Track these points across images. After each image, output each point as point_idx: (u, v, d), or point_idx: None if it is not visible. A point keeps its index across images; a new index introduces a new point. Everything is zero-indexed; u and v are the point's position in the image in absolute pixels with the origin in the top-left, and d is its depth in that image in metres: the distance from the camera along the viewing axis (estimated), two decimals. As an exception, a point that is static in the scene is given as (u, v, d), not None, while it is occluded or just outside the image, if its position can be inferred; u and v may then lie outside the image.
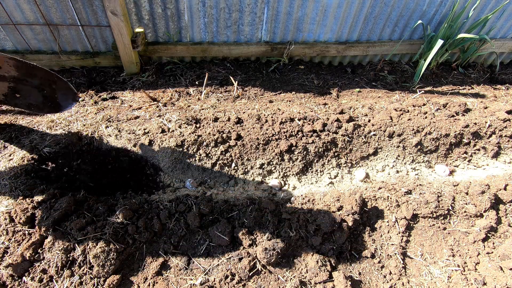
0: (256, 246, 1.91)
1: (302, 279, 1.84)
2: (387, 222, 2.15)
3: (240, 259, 1.87)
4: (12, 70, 2.13)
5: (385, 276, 1.95)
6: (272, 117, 2.66)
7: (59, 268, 1.76)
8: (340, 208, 2.11)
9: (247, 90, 3.24)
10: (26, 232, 1.90)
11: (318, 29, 3.27)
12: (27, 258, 1.79)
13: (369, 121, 2.73)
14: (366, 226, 2.13)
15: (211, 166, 2.44)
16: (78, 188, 2.27)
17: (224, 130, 2.53)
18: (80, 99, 2.43)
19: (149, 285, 1.79)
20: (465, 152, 2.72)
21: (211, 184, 2.41)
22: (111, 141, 2.55)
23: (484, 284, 1.94)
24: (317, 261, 1.87)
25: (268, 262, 1.84)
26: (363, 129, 2.67)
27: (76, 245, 1.81)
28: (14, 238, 1.87)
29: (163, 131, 2.52)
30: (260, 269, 1.85)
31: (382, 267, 1.99)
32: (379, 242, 2.08)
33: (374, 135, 2.67)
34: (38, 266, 1.79)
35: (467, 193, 2.28)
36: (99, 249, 1.77)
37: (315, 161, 2.56)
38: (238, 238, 1.93)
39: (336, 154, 2.61)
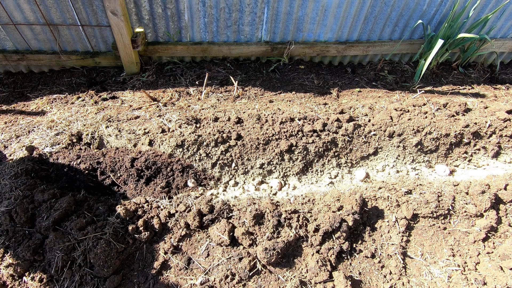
0: (256, 246, 1.91)
1: (302, 279, 1.83)
2: (387, 222, 2.15)
3: (240, 259, 1.87)
4: None
5: (385, 276, 1.95)
6: (272, 117, 2.66)
7: (60, 268, 1.76)
8: (340, 208, 2.11)
9: (247, 90, 3.24)
10: (26, 232, 1.90)
11: (318, 29, 3.27)
12: (27, 258, 1.79)
13: (369, 121, 2.73)
14: (366, 226, 2.13)
15: (211, 166, 2.44)
16: (78, 188, 2.28)
17: (224, 130, 2.53)
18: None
19: (149, 285, 1.79)
20: (465, 152, 2.72)
21: (211, 184, 2.41)
22: (111, 141, 2.55)
23: (484, 284, 1.94)
24: (317, 261, 1.87)
25: (268, 262, 1.84)
26: (363, 129, 2.67)
27: (76, 245, 1.81)
28: (14, 238, 1.87)
29: (163, 131, 2.52)
30: (260, 269, 1.85)
31: (382, 267, 1.99)
32: (379, 242, 2.08)
33: (374, 135, 2.66)
34: (38, 266, 1.79)
35: (467, 193, 2.28)
36: (99, 249, 1.77)
37: (315, 161, 2.56)
38: (238, 238, 1.93)
39: (336, 154, 2.61)
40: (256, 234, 1.94)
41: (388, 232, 2.11)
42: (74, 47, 3.17)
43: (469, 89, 3.48)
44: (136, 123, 2.64)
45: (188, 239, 1.97)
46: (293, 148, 2.52)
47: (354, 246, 2.05)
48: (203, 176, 2.41)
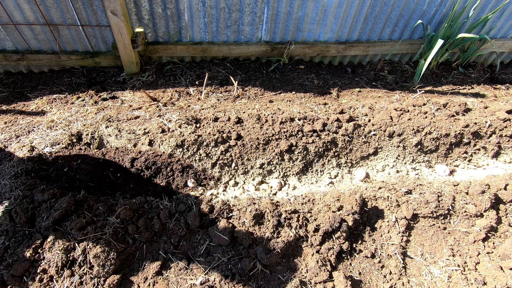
0: (256, 246, 1.91)
1: (302, 279, 1.83)
2: (387, 222, 2.15)
3: (240, 259, 1.87)
4: None
5: (385, 276, 1.95)
6: (272, 117, 2.66)
7: (59, 268, 1.76)
8: (340, 208, 2.11)
9: (247, 90, 3.24)
10: (26, 232, 1.90)
11: (318, 29, 3.27)
12: (27, 258, 1.79)
13: (369, 121, 2.73)
14: (366, 226, 2.13)
15: (211, 166, 2.44)
16: (78, 188, 2.27)
17: (224, 130, 2.53)
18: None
19: (149, 285, 1.79)
20: (465, 152, 2.72)
21: (211, 184, 2.41)
22: (111, 141, 2.55)
23: (484, 284, 1.94)
24: (317, 261, 1.87)
25: (268, 262, 1.84)
26: (363, 129, 2.67)
27: (76, 245, 1.81)
28: (14, 238, 1.87)
29: (163, 131, 2.52)
30: (260, 269, 1.85)
31: (382, 267, 1.99)
32: (379, 242, 2.08)
33: (374, 135, 2.66)
34: (38, 266, 1.79)
35: (467, 193, 2.28)
36: (99, 249, 1.77)
37: (315, 161, 2.56)
38: (238, 238, 1.93)
39: (336, 154, 2.61)
40: (256, 234, 1.94)
41: (388, 232, 2.11)
42: (74, 47, 3.17)
43: (469, 89, 3.48)
44: (136, 123, 2.64)
45: (188, 239, 1.97)
46: (293, 148, 2.52)
47: (354, 246, 2.05)
48: (203, 176, 2.41)
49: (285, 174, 2.51)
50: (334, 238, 1.99)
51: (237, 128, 2.56)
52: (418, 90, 3.36)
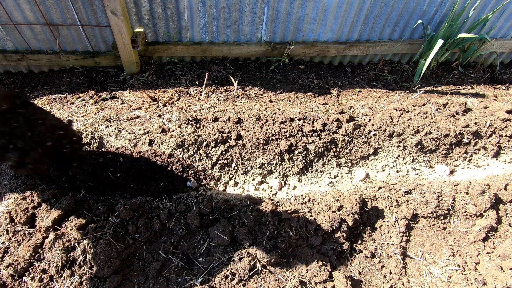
0: (256, 246, 1.91)
1: (302, 279, 1.83)
2: (387, 222, 2.15)
3: (240, 259, 1.87)
4: None
5: (385, 276, 1.95)
6: (272, 117, 2.66)
7: (59, 268, 1.76)
8: (340, 208, 2.11)
9: (247, 90, 3.24)
10: (26, 232, 1.90)
11: (318, 29, 3.27)
12: (27, 258, 1.79)
13: (369, 121, 2.73)
14: (366, 226, 2.13)
15: (211, 166, 2.44)
16: (78, 188, 2.27)
17: (224, 130, 2.53)
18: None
19: (149, 285, 1.79)
20: (465, 152, 2.72)
21: (211, 184, 2.41)
22: (111, 141, 2.55)
23: (484, 284, 1.94)
24: (317, 261, 1.87)
25: (268, 262, 1.84)
26: (363, 129, 2.67)
27: (76, 245, 1.81)
28: (15, 238, 1.87)
29: (163, 131, 2.52)
30: (260, 269, 1.85)
31: (382, 267, 1.99)
32: (379, 242, 2.08)
33: (374, 135, 2.66)
34: (38, 266, 1.79)
35: (467, 193, 2.28)
36: (99, 249, 1.77)
37: (315, 161, 2.56)
38: (238, 238, 1.93)
39: (336, 154, 2.61)
40: (256, 234, 1.94)
41: (388, 232, 2.11)
42: (74, 47, 3.17)
43: (469, 89, 3.48)
44: (136, 123, 2.64)
45: (188, 239, 1.97)
46: (293, 148, 2.52)
47: (354, 246, 2.05)
48: (203, 176, 2.41)
49: (285, 174, 2.51)
50: (334, 238, 1.99)
51: (237, 128, 2.56)
52: (418, 90, 3.36)
